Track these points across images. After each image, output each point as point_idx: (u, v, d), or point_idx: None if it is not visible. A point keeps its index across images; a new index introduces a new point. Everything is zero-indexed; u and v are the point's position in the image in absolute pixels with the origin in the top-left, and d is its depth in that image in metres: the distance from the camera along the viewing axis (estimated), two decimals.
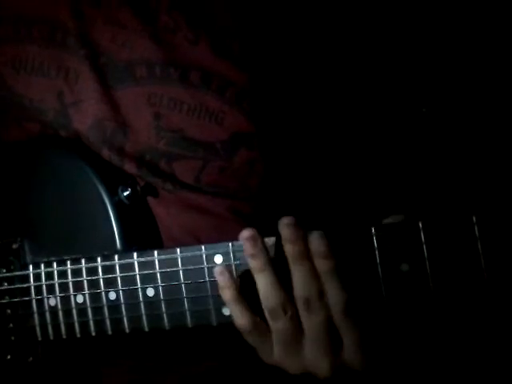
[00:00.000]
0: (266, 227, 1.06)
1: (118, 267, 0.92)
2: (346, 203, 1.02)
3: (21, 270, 0.98)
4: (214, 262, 0.89)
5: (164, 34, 1.05)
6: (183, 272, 0.90)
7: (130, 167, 1.04)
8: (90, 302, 0.94)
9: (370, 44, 1.05)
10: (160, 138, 1.04)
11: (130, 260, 0.92)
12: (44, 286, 0.96)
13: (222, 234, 1.06)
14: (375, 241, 0.83)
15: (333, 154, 1.06)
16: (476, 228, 0.79)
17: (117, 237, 0.96)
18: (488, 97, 1.05)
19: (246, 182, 1.06)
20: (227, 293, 0.85)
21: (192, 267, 0.90)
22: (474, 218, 0.79)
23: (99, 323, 0.94)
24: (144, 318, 0.92)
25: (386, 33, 1.05)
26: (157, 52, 1.05)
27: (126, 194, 0.97)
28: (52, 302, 0.96)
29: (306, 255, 0.82)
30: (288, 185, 1.06)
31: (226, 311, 0.89)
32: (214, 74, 1.03)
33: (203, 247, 0.89)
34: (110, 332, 0.94)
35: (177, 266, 0.90)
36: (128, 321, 0.93)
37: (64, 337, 0.95)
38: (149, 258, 0.91)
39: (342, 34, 1.05)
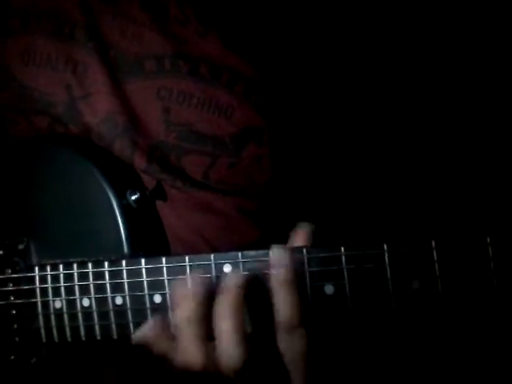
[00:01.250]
0: (273, 227, 1.06)
1: (125, 273, 0.92)
2: (357, 213, 1.01)
3: (26, 271, 0.97)
4: (222, 271, 0.88)
5: (173, 27, 1.05)
6: None
7: (140, 162, 1.03)
8: (96, 306, 0.93)
9: (374, 43, 1.05)
10: (169, 132, 1.04)
11: (137, 266, 0.91)
12: (50, 289, 0.95)
13: (230, 233, 1.06)
14: (387, 257, 0.82)
15: (342, 153, 1.05)
16: (490, 249, 0.79)
17: (124, 241, 0.95)
18: (491, 98, 1.05)
19: (255, 178, 1.06)
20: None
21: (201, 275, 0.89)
22: (488, 239, 0.79)
23: (105, 327, 0.93)
24: None
25: (388, 32, 1.04)
26: (166, 45, 1.04)
27: (134, 197, 0.96)
28: (58, 304, 0.95)
29: None
30: (296, 183, 1.06)
31: None
32: (224, 67, 1.03)
33: (212, 256, 0.89)
34: (115, 336, 0.93)
35: (185, 273, 0.89)
36: (134, 326, 0.92)
37: (69, 339, 0.95)
38: (157, 265, 0.90)
39: (348, 32, 1.05)
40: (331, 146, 1.05)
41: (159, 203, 1.03)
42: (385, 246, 0.82)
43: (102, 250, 0.95)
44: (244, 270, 0.87)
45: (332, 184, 1.04)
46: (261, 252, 0.87)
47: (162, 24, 1.05)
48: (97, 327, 0.94)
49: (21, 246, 0.97)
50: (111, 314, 0.93)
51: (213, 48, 1.04)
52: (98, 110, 1.04)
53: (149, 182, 1.03)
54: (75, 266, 0.94)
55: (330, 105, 1.05)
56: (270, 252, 0.83)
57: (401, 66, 1.05)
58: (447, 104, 1.05)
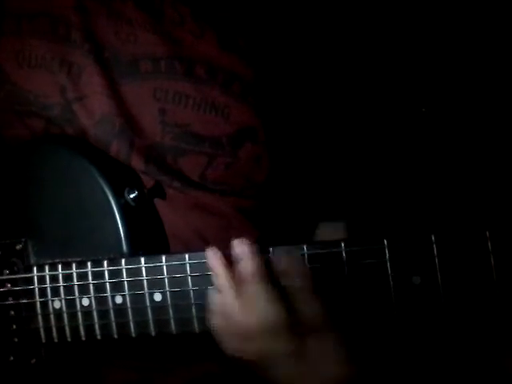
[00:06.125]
0: (271, 226, 1.06)
1: (124, 272, 0.91)
2: (356, 209, 1.02)
3: (24, 272, 0.96)
4: None
5: (169, 27, 1.04)
6: (191, 278, 0.89)
7: (137, 163, 1.03)
8: (96, 306, 0.93)
9: (371, 44, 1.05)
10: (166, 133, 1.03)
11: (137, 265, 0.91)
12: (48, 289, 0.95)
13: (228, 233, 1.06)
14: (387, 252, 0.83)
15: (338, 152, 1.06)
16: (489, 243, 0.79)
17: (123, 239, 0.95)
18: (490, 97, 1.05)
19: (252, 178, 1.06)
20: None
21: (200, 274, 0.89)
22: (488, 233, 0.79)
23: (105, 327, 0.93)
24: (151, 322, 0.91)
25: (387, 32, 1.05)
26: (162, 46, 1.04)
27: (132, 196, 0.96)
28: (57, 304, 0.94)
29: None
30: (293, 182, 1.06)
31: None
32: (220, 68, 1.03)
33: None
34: (115, 336, 0.93)
35: (185, 272, 0.89)
36: (134, 325, 0.92)
37: (69, 339, 0.95)
38: (157, 264, 0.90)
39: (345, 32, 1.05)
40: (328, 144, 1.06)
41: (157, 202, 1.03)
42: (385, 242, 0.82)
43: (100, 249, 0.95)
44: None
45: (330, 182, 1.05)
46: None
47: (158, 25, 1.04)
48: (97, 327, 0.93)
49: (18, 247, 0.97)
50: (111, 313, 0.92)
51: (209, 48, 1.04)
52: (94, 111, 1.04)
53: (147, 181, 1.03)
54: (74, 265, 0.93)
55: (326, 104, 1.05)
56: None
57: (400, 66, 1.05)
58: (447, 104, 1.06)
